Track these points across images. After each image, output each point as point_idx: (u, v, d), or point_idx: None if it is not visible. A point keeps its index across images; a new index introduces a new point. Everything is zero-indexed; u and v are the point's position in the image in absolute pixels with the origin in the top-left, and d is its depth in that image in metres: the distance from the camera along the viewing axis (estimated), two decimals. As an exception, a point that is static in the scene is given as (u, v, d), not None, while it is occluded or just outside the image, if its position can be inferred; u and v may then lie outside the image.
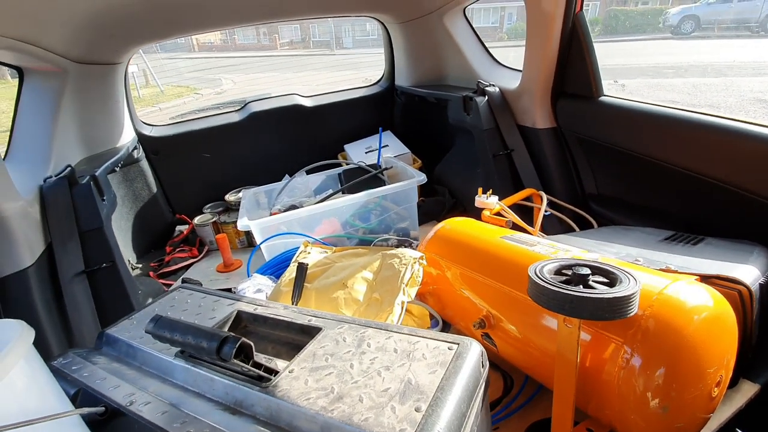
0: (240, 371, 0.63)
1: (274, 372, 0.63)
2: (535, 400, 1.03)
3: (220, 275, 1.86)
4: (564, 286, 0.70)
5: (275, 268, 1.50)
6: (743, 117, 1.09)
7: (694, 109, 1.21)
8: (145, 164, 2.13)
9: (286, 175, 2.17)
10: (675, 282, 0.76)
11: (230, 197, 2.19)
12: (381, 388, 0.57)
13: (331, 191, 1.92)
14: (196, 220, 2.09)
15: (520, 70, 1.72)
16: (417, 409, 0.53)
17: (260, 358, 0.63)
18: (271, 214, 1.80)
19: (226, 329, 0.79)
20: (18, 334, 0.50)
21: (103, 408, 0.61)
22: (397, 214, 1.78)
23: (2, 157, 1.41)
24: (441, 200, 2.15)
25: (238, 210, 1.72)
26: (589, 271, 0.73)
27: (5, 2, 1.09)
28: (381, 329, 0.70)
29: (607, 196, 1.63)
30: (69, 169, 1.40)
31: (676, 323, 0.69)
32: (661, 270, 0.88)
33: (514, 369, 1.11)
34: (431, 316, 1.26)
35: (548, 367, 0.83)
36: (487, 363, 0.64)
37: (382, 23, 2.46)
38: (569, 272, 0.76)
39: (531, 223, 1.50)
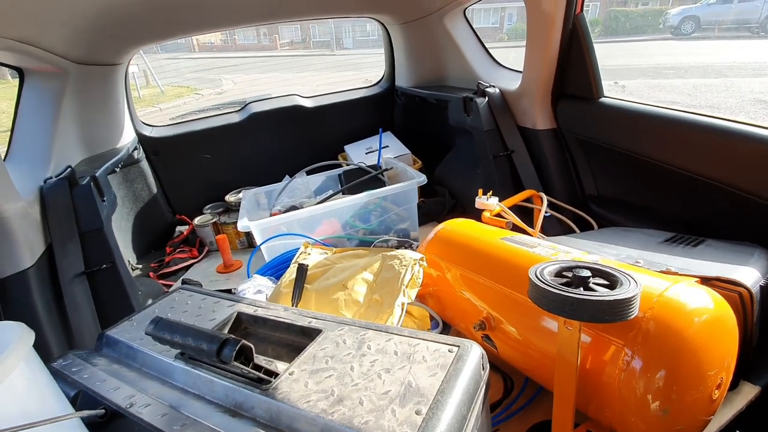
0: (240, 373, 0.62)
1: (274, 374, 0.62)
2: (535, 402, 1.03)
3: (220, 276, 1.86)
4: (564, 288, 0.70)
5: (275, 269, 1.50)
6: (744, 118, 1.09)
7: (695, 110, 1.21)
8: (145, 165, 2.13)
9: (287, 175, 2.17)
10: (675, 284, 0.76)
11: (230, 198, 2.19)
12: (381, 390, 0.57)
13: (331, 192, 1.92)
14: (197, 220, 2.09)
15: (520, 71, 1.72)
16: (417, 412, 0.53)
17: (260, 360, 0.63)
18: (271, 215, 1.80)
19: (226, 331, 0.79)
20: (18, 336, 0.50)
21: (103, 410, 0.61)
22: (397, 215, 1.78)
23: (2, 157, 1.41)
24: (441, 201, 2.15)
25: (238, 210, 1.72)
26: (589, 274, 0.73)
27: (5, 3, 1.09)
28: (381, 331, 0.70)
29: (607, 197, 1.63)
30: (69, 169, 1.40)
31: (676, 325, 0.69)
32: (661, 272, 0.88)
33: (515, 370, 1.11)
34: (431, 318, 1.26)
35: (548, 369, 0.83)
36: (488, 365, 0.64)
37: (383, 24, 2.46)
38: (570, 274, 0.76)
39: (531, 224, 1.50)
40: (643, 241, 1.18)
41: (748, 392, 0.85)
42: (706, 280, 0.85)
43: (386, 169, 1.98)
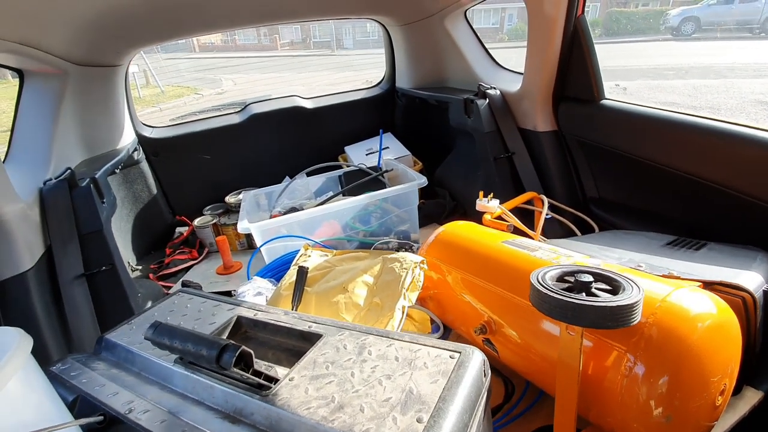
0: (240, 379, 0.62)
1: (274, 380, 0.62)
2: (536, 407, 1.03)
3: (220, 277, 1.86)
4: (566, 293, 0.69)
5: (275, 271, 1.50)
6: (744, 119, 1.09)
7: (695, 111, 1.20)
8: (145, 166, 2.13)
9: (287, 176, 2.17)
10: (678, 289, 0.75)
11: (230, 199, 2.18)
12: (382, 397, 0.57)
13: (331, 193, 1.92)
14: (196, 221, 2.09)
15: (521, 73, 1.71)
16: (419, 420, 0.52)
17: (260, 365, 0.63)
18: (271, 216, 1.79)
19: (225, 335, 0.79)
20: (16, 343, 0.49)
21: (102, 416, 0.61)
22: (397, 216, 1.78)
23: (2, 159, 1.41)
24: (441, 203, 2.14)
25: (238, 212, 1.72)
26: (591, 279, 0.73)
27: (6, 5, 1.09)
28: (382, 336, 0.70)
29: (608, 199, 1.63)
30: (69, 171, 1.40)
31: (679, 331, 0.68)
32: (663, 276, 0.88)
33: (515, 374, 1.11)
34: (432, 321, 1.25)
35: (550, 373, 0.83)
36: (489, 372, 0.63)
37: (383, 25, 2.45)
38: (572, 279, 0.75)
39: (532, 226, 1.50)
40: (644, 245, 1.17)
41: (751, 397, 0.85)
42: (708, 285, 0.84)
43: (387, 171, 1.98)
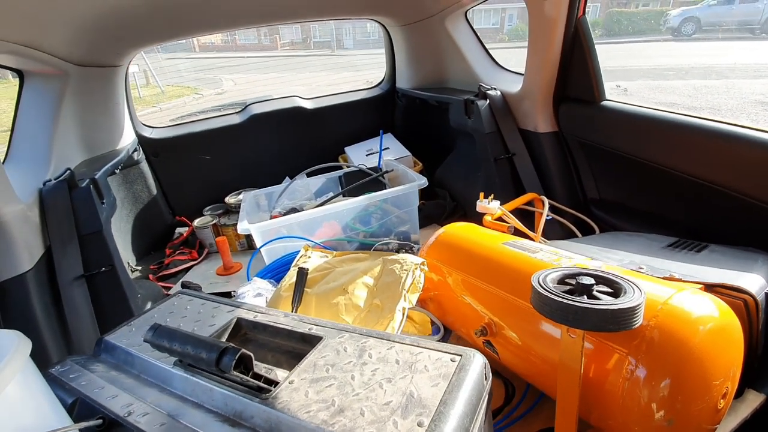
0: (240, 382, 0.62)
1: (274, 383, 0.62)
2: (536, 409, 1.02)
3: (220, 278, 1.85)
4: (568, 296, 0.69)
5: (275, 272, 1.50)
6: (745, 119, 1.09)
7: (696, 111, 1.20)
8: (145, 166, 2.12)
9: (287, 177, 2.17)
10: (680, 292, 0.75)
11: (230, 199, 2.18)
12: (383, 401, 0.56)
13: (331, 194, 1.92)
14: (196, 222, 2.08)
15: (521, 74, 1.71)
16: (420, 424, 0.52)
17: (260, 368, 0.63)
18: (271, 217, 1.79)
19: (225, 337, 0.79)
20: (15, 346, 0.49)
21: (101, 420, 0.60)
22: (397, 217, 1.78)
23: (2, 160, 1.41)
24: (442, 203, 2.14)
25: (238, 212, 1.71)
26: (593, 281, 0.72)
27: (6, 6, 1.08)
28: (383, 339, 0.69)
29: (609, 201, 1.63)
30: (68, 172, 1.40)
31: (681, 334, 0.68)
32: (665, 278, 0.87)
33: (516, 376, 1.10)
34: (432, 323, 1.25)
35: (551, 376, 0.83)
36: (491, 375, 0.63)
37: (384, 26, 2.45)
38: (573, 282, 0.75)
39: (532, 227, 1.49)
40: (645, 246, 1.17)
41: (753, 400, 0.84)
42: (710, 287, 0.84)
43: (387, 171, 1.97)
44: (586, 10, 1.43)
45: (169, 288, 1.79)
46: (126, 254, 1.86)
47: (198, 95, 10.38)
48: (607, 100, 1.49)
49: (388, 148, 2.35)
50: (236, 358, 0.57)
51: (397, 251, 1.54)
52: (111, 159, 1.72)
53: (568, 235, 1.60)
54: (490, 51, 2.13)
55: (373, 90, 2.72)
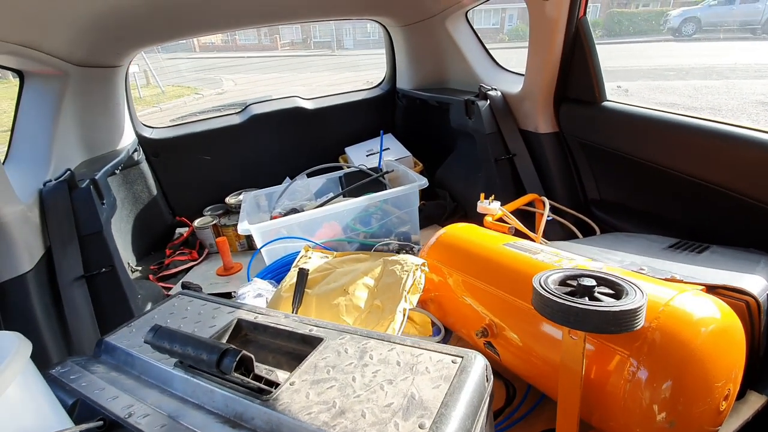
0: (240, 383, 0.62)
1: (274, 384, 0.62)
2: (537, 410, 1.02)
3: (220, 279, 1.85)
4: (569, 298, 0.69)
5: (276, 273, 1.50)
6: (746, 120, 1.09)
7: (696, 112, 1.20)
8: (145, 166, 2.12)
9: (287, 177, 2.17)
10: (681, 293, 0.75)
11: (231, 200, 2.18)
12: (384, 403, 0.56)
13: (332, 194, 1.92)
14: (197, 222, 2.08)
15: (522, 74, 1.71)
16: (421, 426, 0.52)
17: (261, 369, 0.62)
18: (271, 218, 1.79)
19: (226, 338, 0.78)
20: (15, 348, 0.49)
21: (101, 421, 0.60)
22: (398, 218, 1.77)
23: (2, 160, 1.41)
24: (442, 204, 2.14)
25: (238, 213, 1.71)
26: (594, 282, 0.72)
27: (6, 7, 1.08)
28: (383, 340, 0.69)
29: (609, 201, 1.62)
30: (69, 172, 1.39)
31: (683, 336, 0.68)
32: (666, 280, 0.87)
33: (517, 377, 1.10)
34: (433, 324, 1.25)
35: (552, 377, 0.82)
36: (492, 377, 0.63)
37: (384, 26, 2.45)
38: (574, 283, 0.75)
39: (533, 228, 1.49)
40: (646, 247, 1.17)
41: (755, 402, 0.84)
42: (711, 289, 0.84)
43: (387, 172, 1.97)
44: (587, 10, 1.43)
45: (170, 288, 1.79)
46: (126, 255, 1.86)
47: (198, 95, 10.38)
48: (607, 100, 1.49)
49: (388, 148, 2.35)
50: (237, 359, 0.57)
51: (398, 252, 1.54)
52: (111, 159, 1.72)
53: (569, 235, 1.60)
54: (490, 51, 2.13)
55: (373, 90, 2.72)
